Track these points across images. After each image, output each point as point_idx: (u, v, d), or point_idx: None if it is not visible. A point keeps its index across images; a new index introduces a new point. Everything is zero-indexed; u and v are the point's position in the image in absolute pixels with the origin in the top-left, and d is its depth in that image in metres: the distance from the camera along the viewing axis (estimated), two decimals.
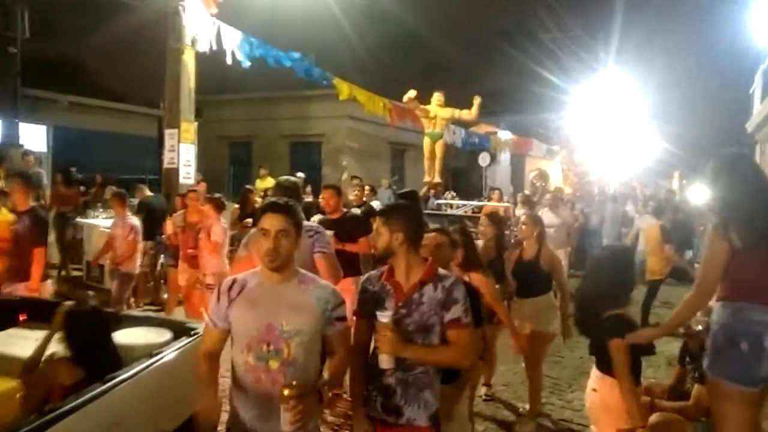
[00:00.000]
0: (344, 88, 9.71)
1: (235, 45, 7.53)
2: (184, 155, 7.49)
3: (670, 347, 6.80)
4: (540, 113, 24.75)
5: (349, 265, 4.61)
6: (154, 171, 12.29)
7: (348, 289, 4.25)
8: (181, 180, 7.65)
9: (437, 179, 11.32)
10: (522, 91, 25.97)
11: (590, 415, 3.26)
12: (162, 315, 6.04)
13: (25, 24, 9.92)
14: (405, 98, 10.72)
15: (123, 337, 3.38)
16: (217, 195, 6.66)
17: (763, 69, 16.25)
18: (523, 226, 4.91)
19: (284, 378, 2.18)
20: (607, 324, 2.99)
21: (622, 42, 20.18)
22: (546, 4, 19.23)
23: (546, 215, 7.88)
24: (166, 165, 7.62)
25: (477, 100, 10.61)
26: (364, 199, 7.89)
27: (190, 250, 6.40)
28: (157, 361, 3.04)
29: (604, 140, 20.02)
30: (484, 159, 17.93)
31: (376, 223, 2.61)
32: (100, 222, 8.50)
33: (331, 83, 9.53)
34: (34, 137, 13.70)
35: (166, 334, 3.51)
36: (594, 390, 3.13)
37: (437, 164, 11.24)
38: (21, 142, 10.50)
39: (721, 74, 24.52)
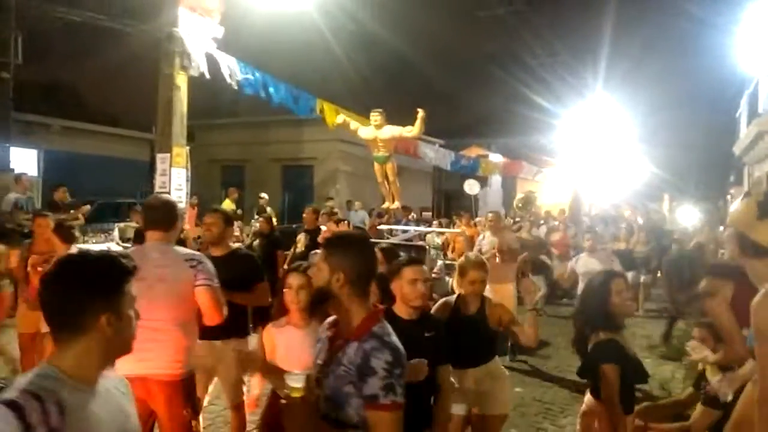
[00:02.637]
0: (332, 116, 9.78)
1: (229, 71, 7.60)
2: (175, 179, 7.49)
3: (661, 370, 6.81)
4: (530, 136, 25.01)
5: (234, 323, 3.60)
6: (145, 195, 12.27)
7: (227, 355, 3.67)
8: None
9: (396, 203, 10.43)
10: (512, 114, 26.27)
11: None
12: None
13: (18, 49, 9.97)
14: (332, 125, 10.00)
15: None
16: (68, 222, 6.02)
17: (748, 93, 16.54)
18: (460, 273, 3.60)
19: None
20: (597, 349, 3.00)
21: (611, 67, 20.46)
22: (535, 29, 19.56)
23: (488, 240, 7.17)
24: (157, 189, 7.60)
25: (420, 114, 9.27)
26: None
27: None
28: None
29: (593, 163, 20.19)
30: (471, 187, 17.17)
31: (317, 257, 2.20)
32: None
33: (321, 116, 9.69)
34: (25, 161, 13.67)
35: None
36: (585, 414, 3.13)
37: (392, 188, 10.23)
38: (12, 166, 10.47)
39: (707, 99, 24.95)
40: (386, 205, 10.56)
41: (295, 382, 1.90)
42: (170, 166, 7.37)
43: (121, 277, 1.55)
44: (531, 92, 21.77)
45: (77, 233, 8.71)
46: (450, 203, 18.90)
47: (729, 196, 12.64)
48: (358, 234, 2.44)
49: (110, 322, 1.49)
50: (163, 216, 3.21)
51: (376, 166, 10.09)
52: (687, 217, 17.18)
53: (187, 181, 7.58)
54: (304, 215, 8.83)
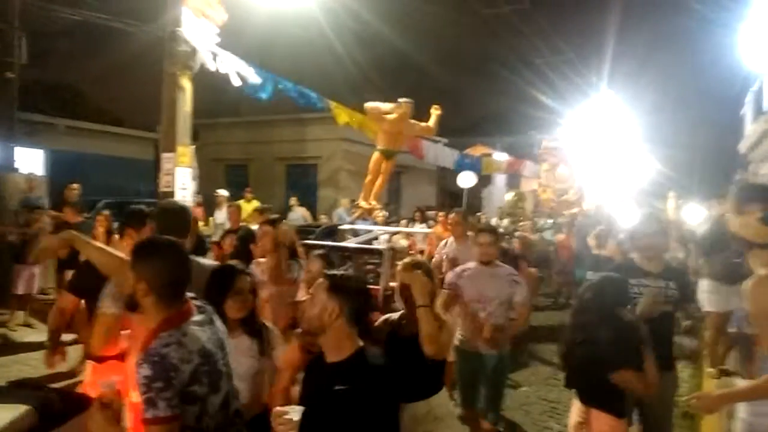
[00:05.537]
0: (342, 115, 9.75)
1: (233, 69, 7.60)
2: (180, 179, 7.50)
3: None
4: (535, 134, 24.97)
5: None
6: (150, 194, 12.30)
7: None
8: None
9: (374, 203, 9.35)
10: (516, 113, 26.26)
11: None
12: None
13: (23, 49, 9.97)
14: (370, 106, 8.92)
15: None
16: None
17: (753, 91, 16.45)
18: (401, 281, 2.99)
19: None
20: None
21: (615, 66, 20.49)
22: (540, 28, 19.51)
23: (451, 248, 6.00)
24: (162, 188, 7.61)
25: (436, 112, 8.73)
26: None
27: None
28: None
29: (598, 162, 20.12)
30: (465, 180, 16.12)
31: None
32: None
33: (329, 110, 9.54)
34: (30, 161, 13.71)
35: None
36: (581, 423, 3.08)
37: (378, 185, 9.30)
38: (16, 165, 10.50)
39: (712, 96, 24.83)
40: (363, 203, 9.38)
41: (106, 387, 2.07)
42: (175, 165, 7.38)
43: None
44: (536, 91, 21.74)
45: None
46: (455, 203, 18.85)
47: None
48: (164, 240, 2.21)
49: None
50: (184, 222, 3.21)
51: (378, 159, 9.20)
52: (692, 215, 17.07)
53: (194, 179, 7.60)
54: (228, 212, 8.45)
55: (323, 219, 12.92)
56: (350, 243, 7.35)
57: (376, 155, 9.20)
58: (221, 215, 10.47)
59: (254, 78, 7.81)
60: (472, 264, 4.35)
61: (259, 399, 2.83)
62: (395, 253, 5.99)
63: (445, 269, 5.30)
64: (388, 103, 8.79)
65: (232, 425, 2.17)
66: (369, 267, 6.22)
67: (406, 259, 3.15)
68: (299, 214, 13.91)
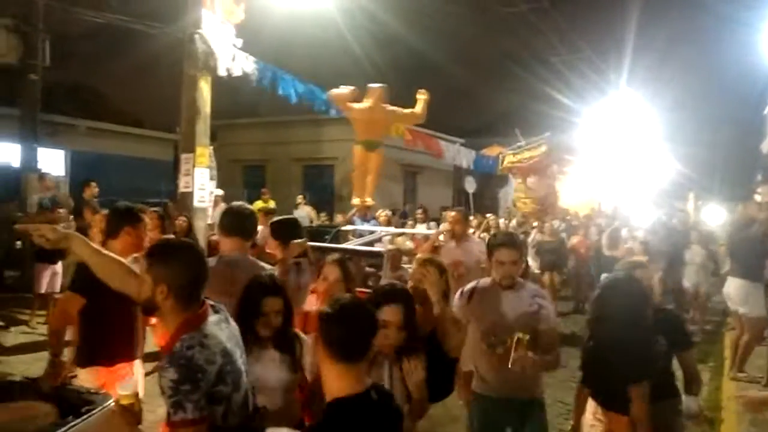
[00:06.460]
0: None
1: (251, 70, 7.68)
2: (198, 179, 7.58)
3: None
4: (552, 134, 24.76)
5: None
6: (169, 195, 12.42)
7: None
8: (195, 204, 7.73)
9: (368, 200, 8.89)
10: (533, 112, 26.06)
11: None
12: None
13: (46, 52, 10.14)
14: (334, 93, 8.46)
15: None
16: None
17: None
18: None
19: None
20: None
21: (634, 64, 20.23)
22: (557, 26, 19.38)
23: (448, 250, 5.54)
24: (181, 189, 7.70)
25: (422, 96, 8.10)
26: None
27: None
28: None
29: (616, 161, 19.90)
30: (470, 185, 17.12)
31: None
32: None
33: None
34: (52, 162, 13.93)
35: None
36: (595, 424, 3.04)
37: (370, 181, 8.72)
38: (39, 166, 10.68)
39: (734, 95, 24.51)
40: (356, 200, 8.95)
41: (125, 390, 2.01)
42: (194, 166, 7.46)
43: None
44: (552, 90, 21.58)
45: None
46: (473, 203, 18.80)
47: (756, 195, 12.35)
48: (178, 241, 2.24)
49: None
50: (250, 225, 3.26)
51: (360, 153, 8.64)
52: (713, 216, 16.83)
53: (212, 179, 7.66)
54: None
55: (339, 219, 12.93)
56: (350, 245, 7.02)
57: (356, 149, 8.69)
58: (218, 214, 10.44)
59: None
60: (484, 282, 3.32)
61: (292, 412, 2.75)
62: (400, 254, 5.82)
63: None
64: (351, 88, 8.33)
65: (252, 420, 2.18)
66: (369, 270, 6.10)
67: (419, 256, 3.11)
68: (305, 212, 13.87)
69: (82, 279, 2.98)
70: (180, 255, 2.09)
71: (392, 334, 2.43)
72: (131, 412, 2.03)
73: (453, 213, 5.95)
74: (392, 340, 2.44)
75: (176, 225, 7.68)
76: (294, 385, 2.78)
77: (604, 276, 5.16)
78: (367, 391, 1.90)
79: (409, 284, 2.95)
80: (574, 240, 10.59)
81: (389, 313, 2.44)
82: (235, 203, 3.50)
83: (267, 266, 3.22)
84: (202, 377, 1.91)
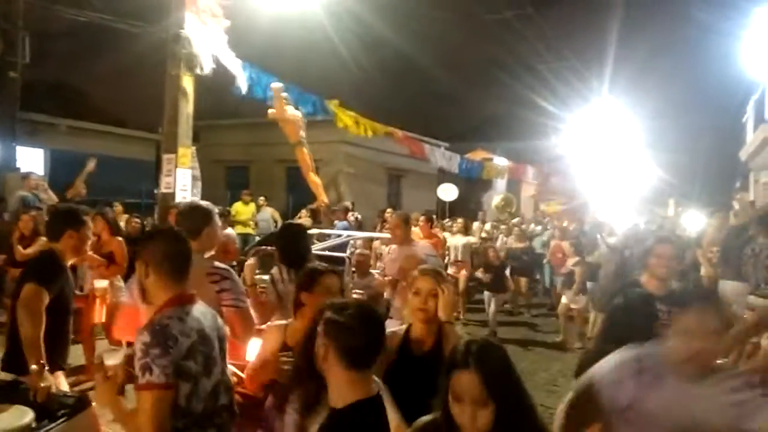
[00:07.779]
0: (346, 119, 9.78)
1: (235, 71, 7.62)
2: (180, 180, 7.51)
3: None
4: (536, 140, 24.97)
5: None
6: (150, 195, 12.31)
7: None
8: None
9: (324, 199, 9.01)
10: (517, 118, 26.26)
11: None
12: None
13: (26, 49, 10.01)
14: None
15: None
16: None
17: (755, 99, 16.48)
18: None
19: None
20: None
21: (617, 72, 20.48)
22: (542, 33, 19.56)
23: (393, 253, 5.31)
24: (162, 189, 7.62)
25: (275, 91, 8.20)
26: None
27: None
28: None
29: (599, 168, 20.11)
30: (446, 193, 17.30)
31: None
32: None
33: (332, 114, 9.58)
34: (31, 161, 13.72)
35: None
36: None
37: (312, 180, 8.91)
38: (18, 165, 10.52)
39: (714, 104, 24.89)
40: (325, 199, 9.11)
41: (111, 359, 2.06)
42: (175, 166, 7.39)
43: None
44: (536, 96, 21.78)
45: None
46: (454, 207, 18.86)
47: (734, 202, 12.55)
48: (161, 226, 2.36)
49: None
50: (192, 223, 3.15)
51: (305, 152, 9.19)
52: (693, 222, 17.04)
53: (195, 180, 7.60)
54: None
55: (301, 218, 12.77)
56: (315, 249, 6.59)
57: (304, 151, 9.05)
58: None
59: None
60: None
61: None
62: (367, 259, 5.86)
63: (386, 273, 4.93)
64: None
65: (217, 416, 2.19)
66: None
67: (424, 266, 2.82)
68: (268, 214, 13.56)
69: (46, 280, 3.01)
70: (157, 235, 2.31)
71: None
72: (114, 382, 2.05)
73: (392, 217, 5.63)
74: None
75: (129, 226, 7.76)
76: None
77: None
78: (378, 395, 1.89)
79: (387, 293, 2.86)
80: (552, 244, 10.61)
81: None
82: (186, 203, 3.46)
83: (221, 265, 3.18)
84: (173, 345, 1.97)
